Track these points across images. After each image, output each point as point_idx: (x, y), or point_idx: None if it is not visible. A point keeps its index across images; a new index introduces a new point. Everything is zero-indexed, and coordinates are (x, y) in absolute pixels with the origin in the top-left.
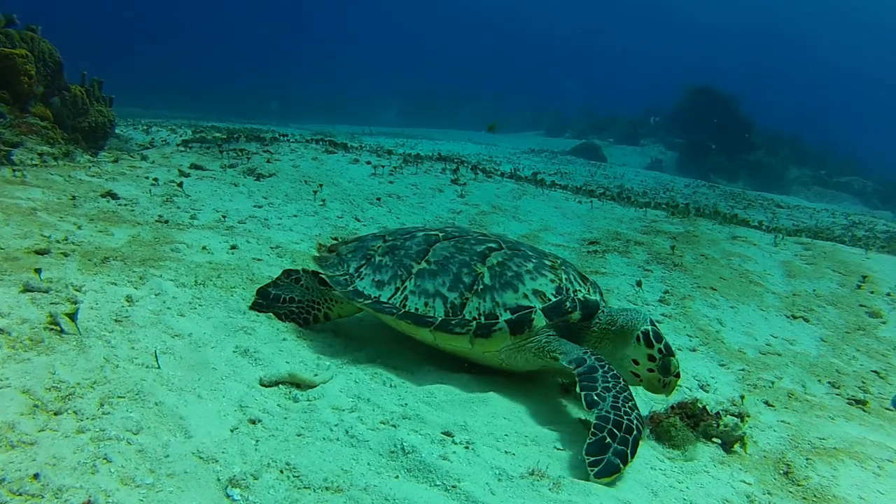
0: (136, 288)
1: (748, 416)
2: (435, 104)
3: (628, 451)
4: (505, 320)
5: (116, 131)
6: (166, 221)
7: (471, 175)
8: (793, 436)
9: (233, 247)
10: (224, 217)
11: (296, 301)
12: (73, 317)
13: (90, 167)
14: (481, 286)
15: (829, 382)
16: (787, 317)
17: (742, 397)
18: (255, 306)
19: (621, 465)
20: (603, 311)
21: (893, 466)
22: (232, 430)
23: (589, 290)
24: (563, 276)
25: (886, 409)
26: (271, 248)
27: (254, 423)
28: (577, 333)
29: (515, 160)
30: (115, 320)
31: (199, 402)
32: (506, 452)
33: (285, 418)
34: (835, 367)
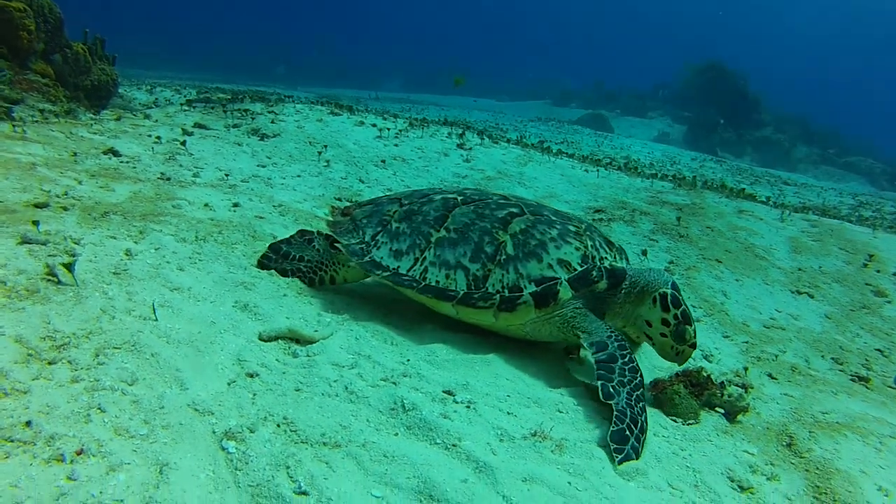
0: (135, 242)
1: (751, 388)
2: (441, 73)
3: (640, 448)
4: (530, 293)
5: (119, 91)
6: (168, 179)
7: (477, 140)
8: (795, 409)
9: (235, 204)
10: (227, 175)
11: (305, 260)
12: (70, 268)
13: (92, 125)
14: (504, 256)
15: (832, 358)
16: (792, 292)
17: (746, 369)
18: (265, 259)
19: (635, 458)
20: (629, 277)
21: (895, 442)
22: (229, 384)
23: (616, 257)
24: (589, 243)
25: (889, 386)
26: (274, 206)
27: (252, 376)
28: (603, 300)
29: (522, 128)
30: (114, 273)
31: (197, 355)
32: (508, 413)
33: (284, 373)
34: (838, 343)
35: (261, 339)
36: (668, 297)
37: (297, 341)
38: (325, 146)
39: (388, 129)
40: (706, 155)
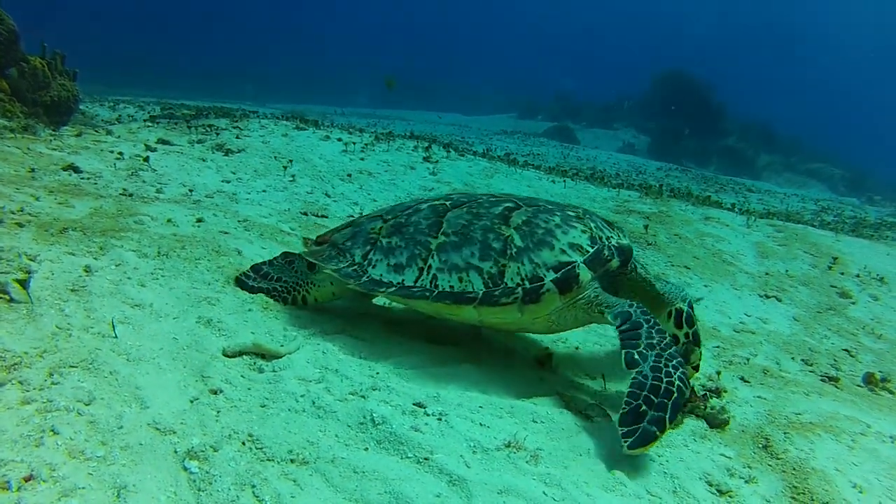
0: (95, 258)
1: (725, 391)
2: (408, 87)
3: (667, 417)
4: (551, 280)
5: (81, 107)
6: (131, 195)
7: (443, 153)
8: (769, 410)
9: (199, 220)
10: (191, 191)
11: (282, 280)
12: (24, 284)
13: (51, 140)
14: (514, 249)
15: (802, 360)
16: (761, 296)
17: (718, 373)
18: (244, 277)
19: (658, 433)
20: (652, 277)
21: (866, 439)
22: (192, 401)
23: (619, 235)
24: (592, 225)
25: (857, 385)
26: (239, 221)
27: (215, 393)
28: (614, 282)
29: (488, 141)
30: (72, 290)
31: (158, 373)
32: (480, 424)
33: (249, 389)
34: (807, 345)
35: (225, 354)
36: (684, 315)
37: (263, 356)
38: (291, 161)
39: (354, 144)
40: (671, 164)
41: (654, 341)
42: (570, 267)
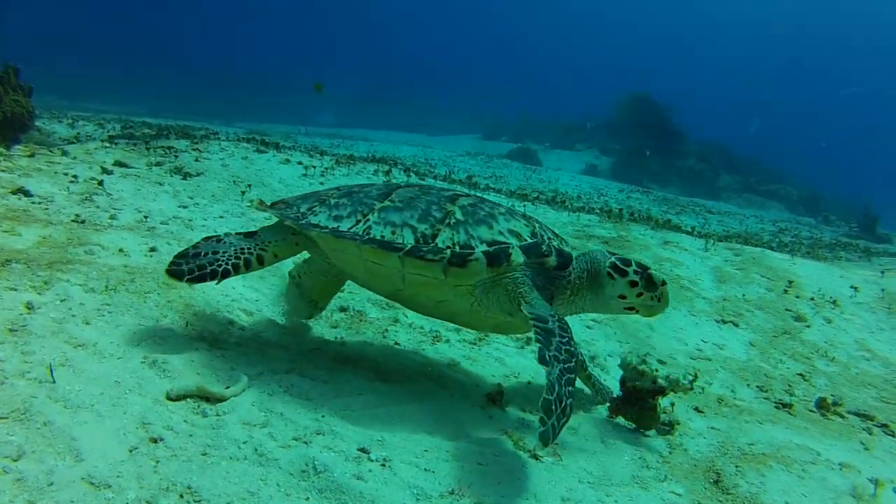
0: (39, 293)
1: (678, 424)
2: (372, 107)
3: (558, 431)
4: (482, 251)
5: (37, 124)
6: (83, 221)
7: (403, 177)
8: (722, 442)
9: (152, 249)
10: (146, 217)
11: (219, 252)
12: None
13: (1, 161)
14: (453, 220)
15: (757, 386)
16: (717, 321)
17: (672, 404)
18: (174, 266)
19: (551, 440)
20: (576, 261)
21: (816, 468)
22: (131, 451)
23: (561, 242)
24: (536, 225)
25: (810, 410)
26: None
27: (155, 441)
28: (552, 283)
29: (451, 163)
30: (10, 330)
31: (97, 421)
32: (425, 470)
33: (191, 435)
34: (763, 371)
35: (169, 398)
36: (617, 263)
37: (208, 399)
38: (249, 185)
39: (315, 167)
40: (633, 186)
41: (561, 356)
42: (504, 245)
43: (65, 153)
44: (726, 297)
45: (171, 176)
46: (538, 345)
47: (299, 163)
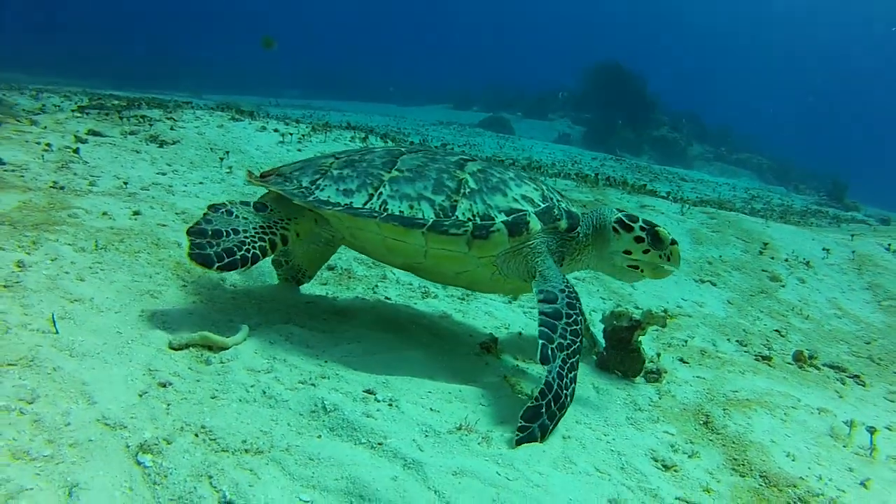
0: (28, 253)
1: (665, 373)
2: (339, 78)
3: (551, 427)
4: (502, 221)
5: None
6: (62, 188)
7: (380, 143)
8: (708, 389)
9: (136, 212)
10: (125, 184)
11: (240, 231)
12: None
13: None
14: (468, 189)
15: (737, 341)
16: (696, 281)
17: (658, 355)
18: (197, 249)
19: (538, 440)
20: (583, 221)
21: (797, 412)
22: (140, 395)
23: (567, 203)
24: (544, 187)
25: (788, 363)
26: (176, 213)
27: (164, 386)
28: (562, 245)
29: (424, 131)
30: (4, 286)
31: (104, 367)
32: (431, 409)
33: (198, 381)
34: (741, 326)
35: (171, 347)
36: (623, 219)
37: (210, 348)
38: (227, 152)
39: (291, 135)
40: (606, 154)
41: (566, 343)
42: (521, 213)
43: (34, 123)
44: (703, 258)
45: (147, 144)
46: (541, 340)
47: (275, 130)
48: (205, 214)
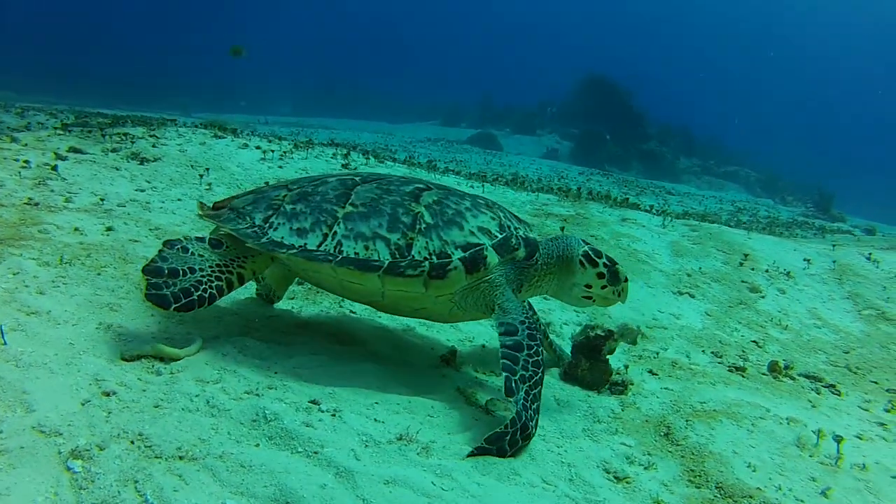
0: None
1: (631, 384)
2: (330, 96)
3: (509, 453)
4: (458, 258)
5: None
6: (37, 204)
7: (362, 160)
8: (674, 401)
9: (109, 228)
10: (102, 200)
11: (196, 270)
12: None
13: None
14: (424, 225)
15: (712, 352)
16: (674, 293)
17: (626, 367)
18: (153, 289)
19: (505, 454)
20: (542, 247)
21: (765, 423)
22: (83, 404)
23: (525, 229)
24: (501, 215)
25: (762, 374)
26: (150, 229)
27: (108, 395)
28: (521, 273)
29: (411, 148)
30: None
31: (50, 377)
32: (375, 420)
33: (144, 391)
34: (717, 338)
35: (123, 359)
36: (590, 253)
37: (162, 359)
38: (208, 169)
39: (273, 152)
40: (594, 169)
41: (528, 374)
42: (478, 248)
43: (14, 140)
44: (683, 270)
45: (128, 161)
46: (505, 373)
47: (258, 147)
48: (160, 251)
